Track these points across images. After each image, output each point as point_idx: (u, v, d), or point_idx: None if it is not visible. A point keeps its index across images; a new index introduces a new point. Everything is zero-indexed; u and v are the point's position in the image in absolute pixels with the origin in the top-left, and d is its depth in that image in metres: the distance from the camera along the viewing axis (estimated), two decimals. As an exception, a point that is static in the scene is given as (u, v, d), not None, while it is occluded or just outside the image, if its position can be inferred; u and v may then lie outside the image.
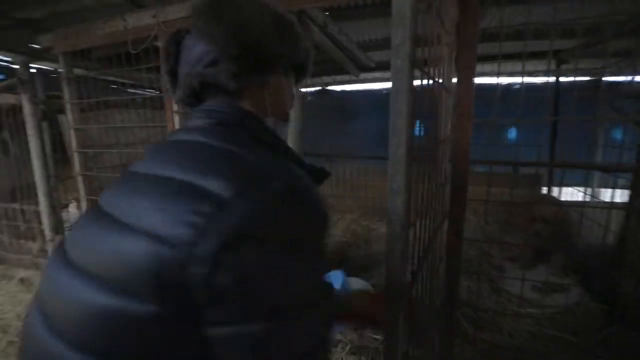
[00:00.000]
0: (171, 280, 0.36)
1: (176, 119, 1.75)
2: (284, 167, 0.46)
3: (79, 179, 2.19)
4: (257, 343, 0.37)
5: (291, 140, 1.54)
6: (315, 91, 4.05)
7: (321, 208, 0.45)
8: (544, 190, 2.83)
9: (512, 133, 3.09)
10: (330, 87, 3.99)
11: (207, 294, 0.35)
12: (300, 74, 0.65)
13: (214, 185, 0.38)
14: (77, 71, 2.14)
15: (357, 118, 4.00)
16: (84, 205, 2.22)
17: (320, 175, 0.58)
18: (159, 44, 1.66)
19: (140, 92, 2.84)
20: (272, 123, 0.58)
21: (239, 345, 0.36)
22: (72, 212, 2.74)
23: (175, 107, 1.74)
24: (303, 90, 4.11)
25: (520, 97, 1.19)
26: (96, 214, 0.45)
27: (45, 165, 2.21)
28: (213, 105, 0.53)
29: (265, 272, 0.37)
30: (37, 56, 2.62)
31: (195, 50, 0.52)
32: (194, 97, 0.56)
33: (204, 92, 0.54)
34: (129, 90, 2.39)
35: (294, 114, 1.50)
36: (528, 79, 2.97)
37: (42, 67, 2.98)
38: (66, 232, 2.29)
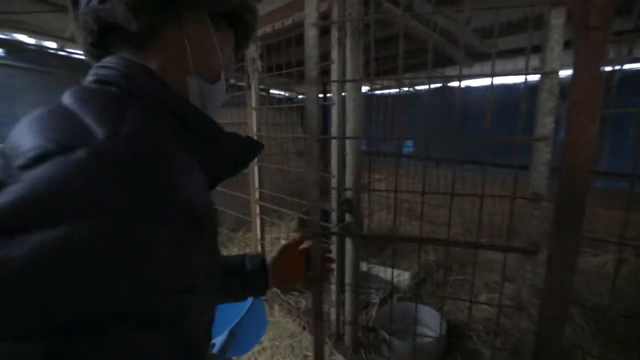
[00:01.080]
0: None
1: (254, 115, 1.82)
2: (130, 131, 0.33)
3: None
4: None
5: (351, 143, 1.38)
6: (429, 89, 3.67)
7: (178, 190, 0.33)
8: None
9: None
10: (449, 84, 3.54)
11: None
12: (239, 31, 0.53)
13: (13, 151, 0.31)
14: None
15: (476, 118, 3.40)
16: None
17: (249, 149, 0.49)
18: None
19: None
20: (197, 84, 0.47)
21: None
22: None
23: (254, 104, 1.82)
24: (418, 88, 3.82)
25: None
26: None
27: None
28: (105, 62, 0.43)
29: (49, 273, 0.26)
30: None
31: None
32: (99, 47, 0.45)
33: (106, 41, 0.44)
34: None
35: (353, 114, 1.34)
36: None
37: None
38: None
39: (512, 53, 2.70)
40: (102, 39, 0.44)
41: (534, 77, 1.01)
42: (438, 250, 2.57)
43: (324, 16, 1.41)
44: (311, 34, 1.07)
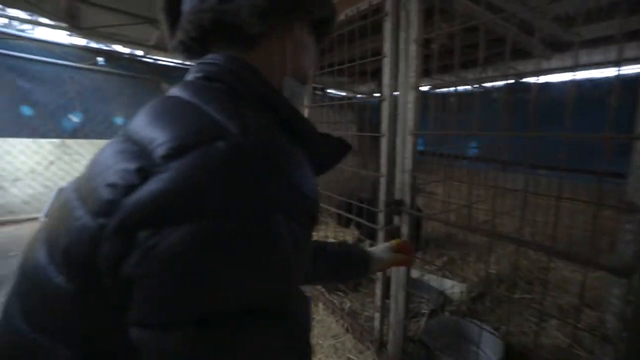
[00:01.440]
0: (81, 253, 0.29)
1: (307, 112, 1.84)
2: (261, 128, 0.35)
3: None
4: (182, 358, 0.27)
5: (403, 141, 1.30)
6: (498, 85, 3.34)
7: (299, 184, 0.34)
8: None
9: None
10: (524, 79, 3.18)
11: (117, 281, 0.28)
12: (322, 33, 0.54)
13: (150, 141, 0.32)
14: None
15: (556, 118, 2.99)
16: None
17: (338, 150, 0.48)
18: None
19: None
20: (291, 84, 0.49)
21: (160, 356, 0.28)
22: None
23: (306, 101, 1.84)
24: (486, 85, 3.51)
25: None
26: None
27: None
28: (210, 58, 0.44)
29: (198, 263, 0.27)
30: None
31: None
32: (199, 43, 0.45)
33: (211, 38, 0.44)
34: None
35: (409, 115, 1.26)
36: None
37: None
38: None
39: (599, 42, 2.31)
40: (206, 35, 0.44)
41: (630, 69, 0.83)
42: (501, 261, 2.32)
43: (377, 8, 1.36)
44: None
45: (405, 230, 1.35)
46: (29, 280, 0.35)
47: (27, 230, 3.57)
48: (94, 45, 4.45)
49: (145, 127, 0.34)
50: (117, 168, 0.31)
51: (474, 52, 2.52)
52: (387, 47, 1.31)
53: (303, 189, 0.34)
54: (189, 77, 0.44)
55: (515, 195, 2.58)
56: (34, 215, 3.65)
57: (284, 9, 0.43)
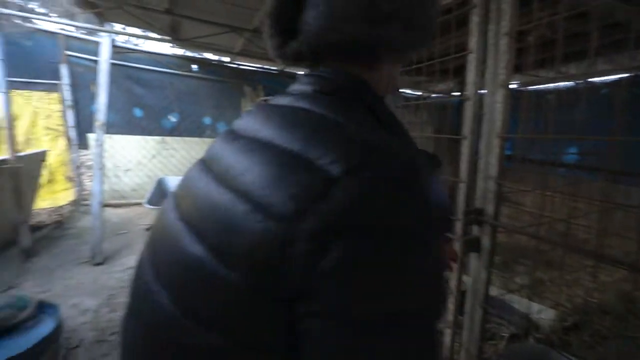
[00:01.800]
0: (265, 253, 0.32)
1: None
2: (401, 147, 0.38)
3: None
4: (348, 349, 0.31)
5: (487, 144, 1.18)
6: (615, 79, 2.81)
7: (438, 200, 0.38)
8: None
9: None
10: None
11: (303, 278, 0.31)
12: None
13: (323, 159, 0.34)
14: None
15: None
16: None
17: (431, 165, 0.50)
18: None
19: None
20: (388, 102, 0.52)
21: (325, 346, 0.32)
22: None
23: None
24: (593, 80, 3.00)
25: None
26: (201, 167, 0.47)
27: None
28: (326, 72, 0.46)
29: (374, 268, 0.31)
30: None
31: (348, 1, 0.42)
32: (316, 55, 0.46)
33: (334, 52, 0.45)
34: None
35: (497, 116, 1.14)
36: None
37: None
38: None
39: None
40: (332, 50, 0.45)
41: None
42: (606, 288, 1.95)
43: (464, 1, 1.26)
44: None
45: (486, 242, 1.22)
46: (187, 272, 0.38)
47: (134, 213, 4.24)
48: (189, 54, 5.06)
49: (299, 141, 0.37)
50: (294, 180, 0.34)
51: (579, 43, 2.16)
52: (473, 42, 1.20)
53: (443, 203, 0.39)
54: (307, 88, 0.45)
55: (628, 213, 2.16)
56: (139, 201, 4.31)
57: (417, 45, 0.47)
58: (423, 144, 3.28)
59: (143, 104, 4.64)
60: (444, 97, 3.71)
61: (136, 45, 5.05)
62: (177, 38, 3.89)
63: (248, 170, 0.37)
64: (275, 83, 5.21)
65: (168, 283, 0.40)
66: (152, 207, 3.30)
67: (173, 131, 4.85)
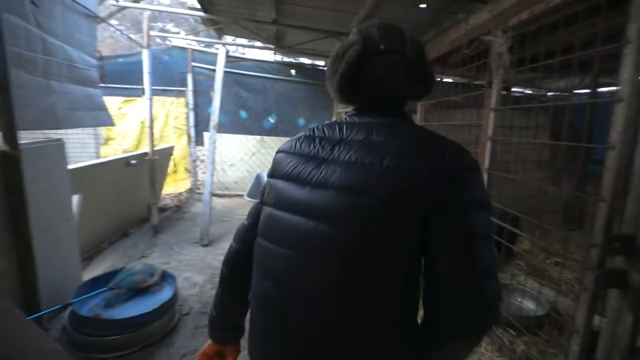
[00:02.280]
0: (416, 190, 0.54)
1: (491, 116, 1.61)
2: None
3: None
4: (469, 245, 0.53)
5: None
6: None
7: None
8: None
9: None
10: None
11: (442, 197, 0.53)
12: None
13: (440, 150, 0.57)
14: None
15: None
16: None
17: None
18: (491, 38, 1.58)
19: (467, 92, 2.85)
20: None
21: (454, 242, 0.53)
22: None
23: (493, 104, 1.60)
24: None
25: None
26: (314, 160, 0.63)
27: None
28: (386, 107, 0.66)
29: (480, 196, 0.57)
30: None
31: (401, 70, 0.61)
32: (378, 104, 0.66)
33: (383, 101, 0.66)
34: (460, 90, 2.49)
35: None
36: None
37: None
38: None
39: None
40: (386, 100, 0.66)
41: None
42: None
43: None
44: None
45: (635, 278, 0.97)
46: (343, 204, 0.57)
47: (234, 203, 4.76)
48: (286, 59, 5.41)
49: (425, 144, 0.59)
50: (432, 159, 0.56)
51: None
52: (633, 29, 0.97)
53: None
54: (378, 117, 0.64)
55: None
56: (239, 193, 4.82)
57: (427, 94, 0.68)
58: (536, 151, 2.83)
59: (247, 107, 5.17)
60: (568, 97, 3.13)
61: (243, 53, 5.63)
62: (280, 45, 4.20)
63: (397, 157, 0.56)
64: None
65: (327, 217, 0.57)
66: (250, 199, 3.64)
67: (271, 131, 5.28)
